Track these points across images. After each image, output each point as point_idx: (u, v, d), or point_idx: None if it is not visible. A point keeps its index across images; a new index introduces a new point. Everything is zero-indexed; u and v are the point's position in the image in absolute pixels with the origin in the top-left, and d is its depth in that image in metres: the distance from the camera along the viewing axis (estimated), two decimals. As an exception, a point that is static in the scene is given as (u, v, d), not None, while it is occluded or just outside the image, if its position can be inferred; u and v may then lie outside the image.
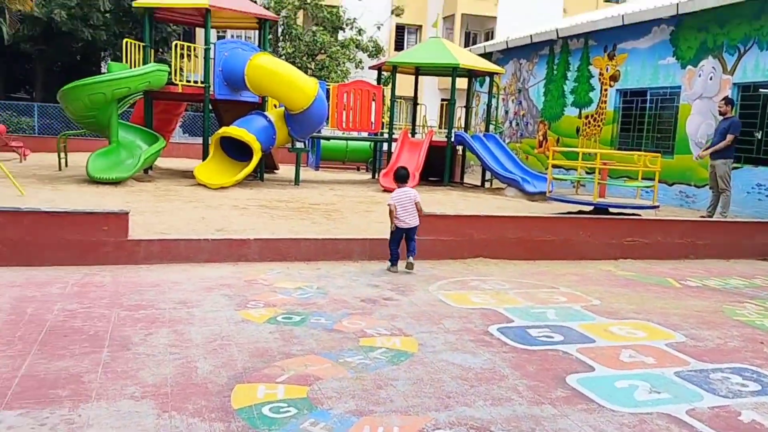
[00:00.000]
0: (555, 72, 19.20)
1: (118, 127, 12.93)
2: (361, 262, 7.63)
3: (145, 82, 12.47)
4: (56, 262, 6.67)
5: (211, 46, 13.80)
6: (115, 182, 11.95)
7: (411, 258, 7.22)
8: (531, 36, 19.68)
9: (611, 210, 10.99)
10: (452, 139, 15.69)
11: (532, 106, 20.25)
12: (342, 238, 7.73)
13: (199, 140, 23.65)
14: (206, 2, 13.43)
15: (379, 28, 30.35)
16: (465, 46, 35.74)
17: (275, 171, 18.03)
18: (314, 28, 29.30)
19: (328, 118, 14.94)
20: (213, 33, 27.31)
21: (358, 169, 22.60)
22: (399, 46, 35.14)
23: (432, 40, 16.54)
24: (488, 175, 16.97)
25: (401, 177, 7.38)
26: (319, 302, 5.82)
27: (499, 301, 6.33)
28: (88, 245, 6.78)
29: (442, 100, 32.83)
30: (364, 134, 18.06)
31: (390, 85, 15.87)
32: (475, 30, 36.98)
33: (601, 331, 5.44)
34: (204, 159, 14.09)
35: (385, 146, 16.75)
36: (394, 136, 15.96)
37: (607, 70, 16.82)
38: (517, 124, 21.09)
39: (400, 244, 7.27)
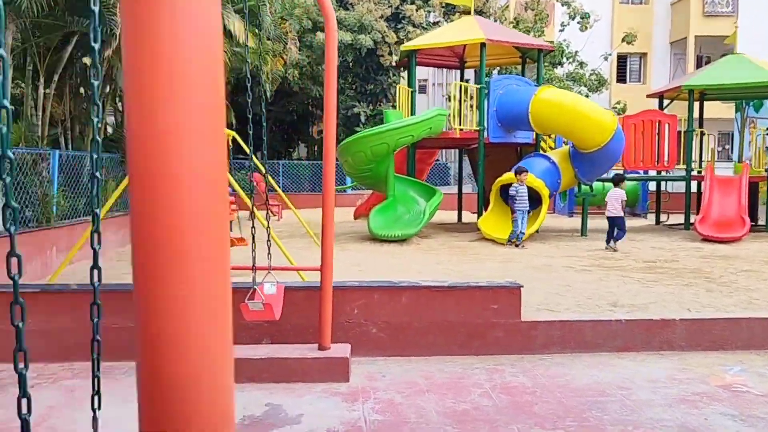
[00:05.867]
0: None
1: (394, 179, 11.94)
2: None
3: (427, 128, 11.37)
4: (436, 351, 5.25)
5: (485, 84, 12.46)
6: (401, 240, 10.83)
7: (612, 243, 10.53)
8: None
9: None
10: (774, 175, 12.71)
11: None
12: (798, 317, 5.50)
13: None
14: (482, 37, 12.18)
15: (606, 58, 27.80)
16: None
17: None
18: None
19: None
20: (449, 74, 26.67)
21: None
22: (621, 77, 32.19)
23: (732, 56, 13.85)
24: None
25: (616, 182, 11.24)
26: None
27: None
28: (474, 328, 5.29)
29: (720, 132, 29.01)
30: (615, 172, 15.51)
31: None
32: (710, 53, 32.80)
33: None
34: (479, 210, 12.65)
35: (668, 186, 14.15)
36: (693, 173, 13.35)
37: None
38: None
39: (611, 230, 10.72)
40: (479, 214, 12.47)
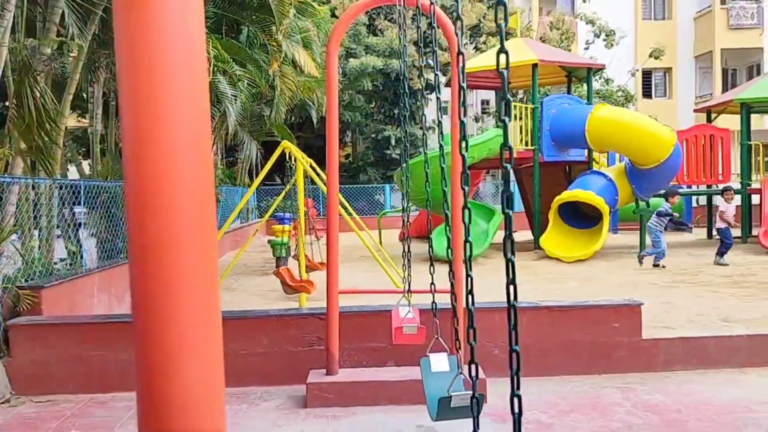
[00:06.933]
0: None
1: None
2: None
3: (487, 149, 11.49)
4: (560, 371, 5.26)
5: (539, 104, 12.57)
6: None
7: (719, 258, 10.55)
8: None
9: None
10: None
11: None
12: None
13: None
14: (535, 58, 12.32)
15: (633, 74, 27.92)
16: (723, 84, 31.82)
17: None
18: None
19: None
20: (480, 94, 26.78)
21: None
22: (646, 93, 32.25)
23: (781, 69, 13.82)
24: None
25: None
26: None
27: None
28: (598, 348, 5.30)
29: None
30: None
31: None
32: (734, 65, 32.84)
33: None
34: (534, 229, 12.67)
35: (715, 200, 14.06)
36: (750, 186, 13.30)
37: None
38: None
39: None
40: (536, 234, 12.48)
